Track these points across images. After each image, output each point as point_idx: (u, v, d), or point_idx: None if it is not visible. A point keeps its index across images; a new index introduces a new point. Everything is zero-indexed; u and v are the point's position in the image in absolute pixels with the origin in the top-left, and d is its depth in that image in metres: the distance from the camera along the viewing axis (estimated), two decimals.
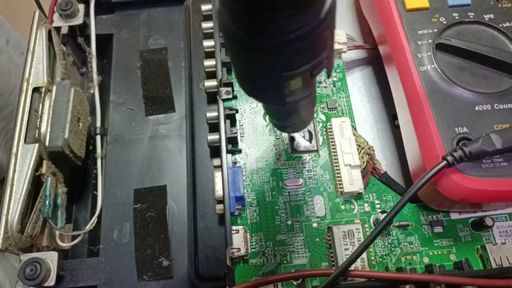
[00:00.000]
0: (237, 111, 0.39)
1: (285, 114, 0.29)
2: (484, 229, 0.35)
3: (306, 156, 0.39)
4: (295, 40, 0.17)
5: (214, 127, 0.38)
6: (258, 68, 0.20)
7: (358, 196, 0.37)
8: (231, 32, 0.18)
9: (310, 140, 0.39)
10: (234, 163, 0.38)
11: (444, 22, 0.36)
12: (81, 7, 0.46)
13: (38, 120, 0.38)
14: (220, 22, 0.19)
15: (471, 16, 0.36)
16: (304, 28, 0.17)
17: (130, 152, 0.42)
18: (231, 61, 0.22)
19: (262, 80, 0.21)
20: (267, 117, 0.40)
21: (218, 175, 0.35)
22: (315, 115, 0.40)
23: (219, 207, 0.35)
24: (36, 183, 0.36)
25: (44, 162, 0.36)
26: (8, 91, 0.62)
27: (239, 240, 0.34)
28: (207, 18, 0.43)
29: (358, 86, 0.44)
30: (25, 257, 0.34)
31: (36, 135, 0.37)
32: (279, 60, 0.19)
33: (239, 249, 0.34)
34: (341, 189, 0.36)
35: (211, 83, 0.40)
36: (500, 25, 0.35)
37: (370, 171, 0.38)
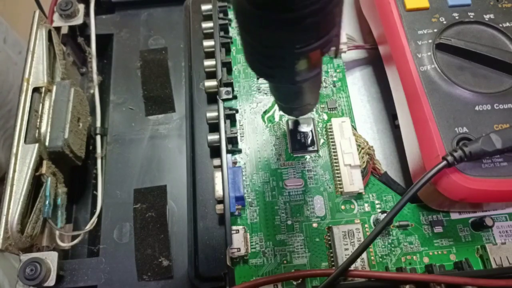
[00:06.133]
0: (237, 111, 0.39)
1: (293, 96, 0.29)
2: (484, 229, 0.35)
3: (306, 156, 0.39)
4: (309, 15, 0.18)
5: (214, 127, 0.38)
6: (271, 44, 0.20)
7: (358, 196, 0.37)
8: (244, 8, 0.18)
9: (310, 142, 0.39)
10: (234, 163, 0.38)
11: (444, 22, 0.36)
12: (81, 7, 0.46)
13: (38, 120, 0.38)
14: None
15: (471, 16, 0.36)
16: (317, 3, 0.18)
17: (130, 152, 0.42)
18: (242, 39, 0.22)
19: (273, 57, 0.22)
20: (265, 117, 0.41)
21: (218, 175, 0.35)
22: (316, 115, 0.40)
23: (219, 207, 0.35)
24: (36, 183, 0.36)
25: (44, 162, 0.36)
26: (6, 90, 0.62)
27: (239, 240, 0.34)
28: (207, 18, 0.43)
29: (358, 86, 0.44)
30: (25, 257, 0.34)
31: (36, 135, 0.37)
32: (292, 36, 0.19)
33: (239, 249, 0.34)
34: (341, 189, 0.36)
35: (211, 83, 0.40)
36: (500, 25, 0.35)
37: (370, 171, 0.38)
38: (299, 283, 0.33)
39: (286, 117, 0.40)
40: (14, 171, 0.35)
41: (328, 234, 0.35)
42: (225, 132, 0.37)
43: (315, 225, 0.36)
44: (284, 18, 0.18)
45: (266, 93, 0.42)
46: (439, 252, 0.35)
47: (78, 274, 0.36)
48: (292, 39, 0.20)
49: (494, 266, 0.33)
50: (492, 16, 0.36)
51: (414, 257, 0.35)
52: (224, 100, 0.38)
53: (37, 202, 0.36)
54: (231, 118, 0.39)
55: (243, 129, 0.40)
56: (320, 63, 0.25)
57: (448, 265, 0.34)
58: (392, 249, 0.35)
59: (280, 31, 0.19)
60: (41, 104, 0.39)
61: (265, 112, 0.41)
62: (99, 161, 0.42)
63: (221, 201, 0.35)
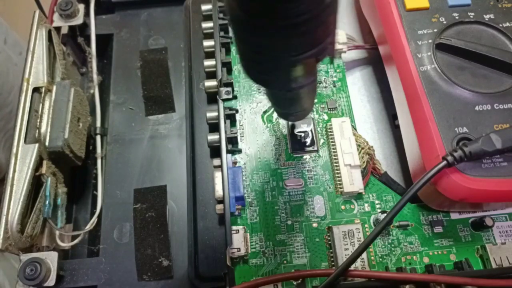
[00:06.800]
0: (237, 111, 0.39)
1: (289, 101, 0.29)
2: (484, 229, 0.35)
3: (306, 156, 0.39)
4: (302, 23, 0.18)
5: (214, 127, 0.38)
6: (266, 52, 0.20)
7: (358, 196, 0.37)
8: (238, 16, 0.18)
9: (311, 142, 0.39)
10: (234, 163, 0.38)
11: (444, 22, 0.36)
12: (81, 7, 0.46)
13: (38, 120, 0.38)
14: (227, 7, 0.19)
15: (471, 16, 0.36)
16: (311, 12, 0.18)
17: (130, 152, 0.42)
18: (237, 46, 0.22)
19: (269, 65, 0.22)
20: (265, 116, 0.41)
21: (218, 175, 0.35)
22: (316, 115, 0.40)
23: (219, 207, 0.35)
24: (36, 183, 0.36)
25: (44, 162, 0.36)
26: (7, 91, 0.62)
27: (239, 240, 0.34)
28: (207, 18, 0.43)
29: (358, 86, 0.44)
30: (25, 257, 0.34)
31: (36, 135, 0.37)
32: (286, 44, 0.19)
33: (239, 249, 0.34)
34: (341, 189, 0.36)
35: (211, 83, 0.40)
36: (500, 25, 0.35)
37: (370, 171, 0.38)
38: (299, 283, 0.33)
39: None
40: (14, 171, 0.35)
41: (328, 234, 0.35)
42: (225, 132, 0.37)
43: (315, 225, 0.36)
44: (278, 26, 0.18)
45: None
46: (439, 252, 0.35)
47: (78, 274, 0.36)
48: (287, 47, 0.20)
49: (494, 266, 0.33)
50: (492, 16, 0.36)
51: (414, 257, 0.35)
52: (224, 100, 0.38)
53: (37, 202, 0.36)
54: (231, 118, 0.39)
55: (243, 129, 0.40)
56: (315, 70, 0.25)
57: (448, 265, 0.34)
58: (392, 249, 0.35)
59: (274, 39, 0.19)
60: (41, 104, 0.39)
61: (264, 112, 0.41)
62: (99, 161, 0.42)
63: (221, 201, 0.35)
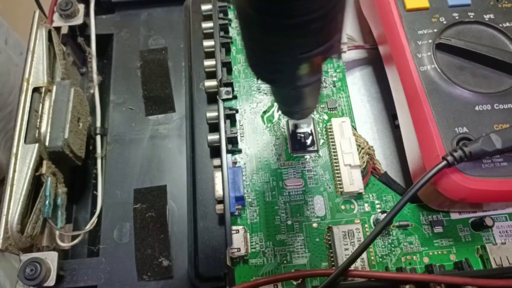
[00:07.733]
0: (237, 111, 0.39)
1: (294, 99, 0.29)
2: (484, 229, 0.35)
3: (306, 156, 0.39)
4: (312, 22, 0.18)
5: (214, 127, 0.38)
6: (274, 50, 0.20)
7: (358, 196, 0.37)
8: (248, 14, 0.18)
9: (310, 142, 0.39)
10: (234, 163, 0.38)
11: (444, 22, 0.36)
12: (81, 7, 0.46)
13: (38, 120, 0.38)
14: (236, 5, 0.19)
15: (471, 16, 0.36)
16: (321, 10, 0.17)
17: (130, 152, 0.42)
18: (244, 44, 0.22)
19: (276, 63, 0.22)
20: (265, 116, 0.41)
21: (218, 175, 0.35)
22: (316, 115, 0.40)
23: (219, 207, 0.35)
24: (36, 183, 0.36)
25: (44, 162, 0.36)
26: (7, 91, 0.62)
27: (239, 240, 0.34)
28: (207, 18, 0.43)
29: (358, 86, 0.44)
30: (25, 257, 0.34)
31: (36, 135, 0.37)
32: (296, 42, 0.19)
33: (239, 249, 0.34)
34: (341, 189, 0.36)
35: (211, 83, 0.40)
36: (500, 25, 0.35)
37: (370, 171, 0.38)
38: (299, 283, 0.33)
39: (286, 117, 0.40)
40: (14, 171, 0.35)
41: (328, 234, 0.35)
42: (225, 132, 0.37)
43: (315, 225, 0.36)
44: (288, 24, 0.18)
45: (266, 93, 0.42)
46: (439, 252, 0.35)
47: (78, 274, 0.36)
48: (296, 45, 0.19)
49: (494, 266, 0.33)
50: (492, 16, 0.36)
51: (414, 257, 0.35)
52: (224, 100, 0.38)
53: (37, 202, 0.36)
54: (231, 118, 0.39)
55: (243, 129, 0.40)
56: (321, 68, 0.25)
57: (448, 265, 0.34)
58: (392, 249, 0.35)
59: (283, 37, 0.19)
60: (41, 104, 0.39)
61: (264, 112, 0.41)
62: (99, 161, 0.42)
63: (221, 201, 0.35)
